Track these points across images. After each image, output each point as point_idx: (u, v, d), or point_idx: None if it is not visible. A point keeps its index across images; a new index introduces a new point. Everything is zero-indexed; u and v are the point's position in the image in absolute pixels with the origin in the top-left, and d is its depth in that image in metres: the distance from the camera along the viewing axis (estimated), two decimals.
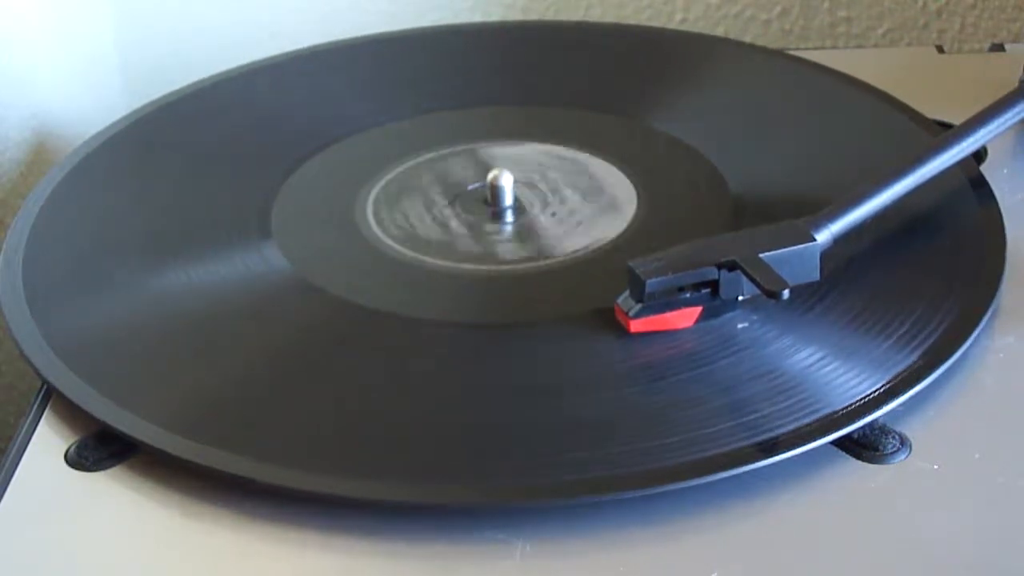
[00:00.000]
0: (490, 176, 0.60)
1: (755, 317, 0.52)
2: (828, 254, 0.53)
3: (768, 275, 0.50)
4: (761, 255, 0.51)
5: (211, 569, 0.44)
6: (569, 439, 0.47)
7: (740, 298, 0.52)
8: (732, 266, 0.51)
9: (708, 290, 0.51)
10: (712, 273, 0.51)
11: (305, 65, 0.71)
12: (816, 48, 0.83)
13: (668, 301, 0.51)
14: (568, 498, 0.45)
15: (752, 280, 0.50)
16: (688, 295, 0.51)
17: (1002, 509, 0.45)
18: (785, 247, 0.52)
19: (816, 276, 0.52)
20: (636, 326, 0.51)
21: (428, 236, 0.58)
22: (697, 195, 0.60)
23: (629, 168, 0.62)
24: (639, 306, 0.51)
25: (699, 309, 0.52)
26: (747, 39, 0.84)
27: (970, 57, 0.77)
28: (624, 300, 0.52)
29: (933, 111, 0.64)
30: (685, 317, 0.52)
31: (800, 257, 0.52)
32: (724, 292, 0.51)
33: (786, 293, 0.49)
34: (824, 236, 0.52)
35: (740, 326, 0.52)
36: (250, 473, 0.46)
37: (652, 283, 0.51)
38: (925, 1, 0.85)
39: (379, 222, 0.59)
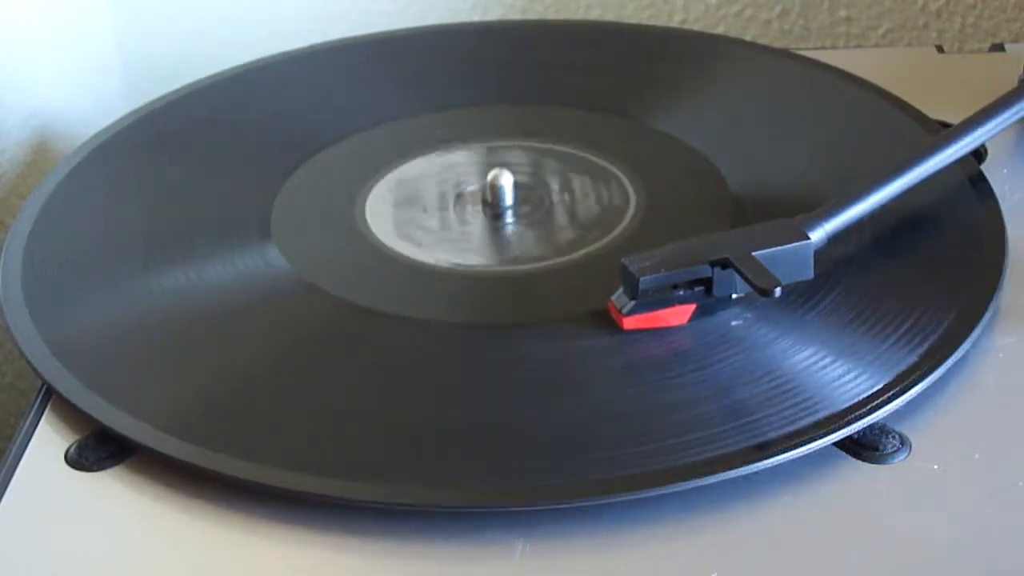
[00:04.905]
0: (490, 176, 0.60)
1: (748, 315, 0.52)
2: (828, 253, 0.53)
3: (760, 273, 0.50)
4: (755, 253, 0.51)
5: (211, 569, 0.44)
6: (569, 440, 0.47)
7: (734, 296, 0.52)
8: (725, 264, 0.51)
9: (702, 288, 0.51)
10: (705, 271, 0.51)
11: (305, 65, 0.71)
12: (816, 48, 0.83)
13: (662, 298, 0.51)
14: (568, 499, 0.45)
15: (744, 278, 0.50)
16: (682, 292, 0.51)
17: (1002, 509, 0.45)
18: (779, 245, 0.52)
19: (810, 274, 0.52)
20: (630, 323, 0.51)
21: (428, 236, 0.58)
22: (697, 195, 0.60)
23: (629, 168, 0.62)
24: (632, 303, 0.51)
25: (693, 306, 0.52)
26: (747, 39, 0.84)
27: (970, 57, 0.77)
28: (618, 297, 0.52)
29: (933, 111, 0.64)
30: (679, 314, 0.52)
31: (794, 255, 0.52)
32: (717, 290, 0.51)
33: (778, 291, 0.49)
34: (818, 235, 0.52)
35: (734, 323, 0.52)
36: (249, 474, 0.46)
37: (645, 280, 0.51)
38: (925, 1, 0.85)
39: (379, 222, 0.59)
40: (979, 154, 0.61)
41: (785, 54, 0.71)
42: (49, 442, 0.49)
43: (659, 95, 0.68)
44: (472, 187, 0.61)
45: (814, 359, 0.50)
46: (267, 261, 0.57)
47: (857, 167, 0.59)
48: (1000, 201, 0.58)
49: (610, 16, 0.85)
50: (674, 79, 0.69)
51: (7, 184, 0.72)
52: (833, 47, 0.85)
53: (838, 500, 0.45)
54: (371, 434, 0.48)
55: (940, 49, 0.73)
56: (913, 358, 0.50)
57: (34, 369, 0.51)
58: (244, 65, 0.71)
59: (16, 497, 0.47)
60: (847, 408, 0.47)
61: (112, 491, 0.47)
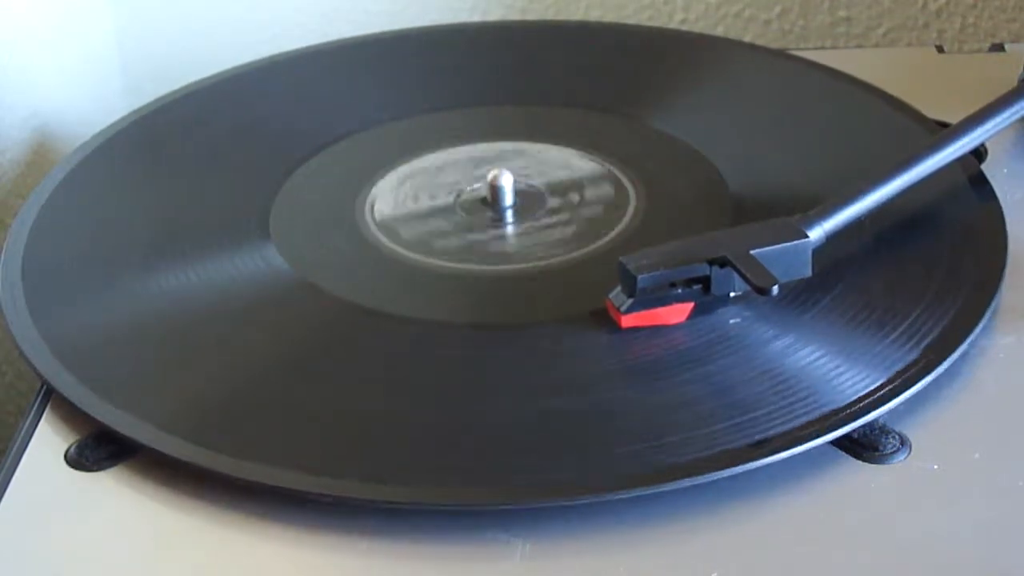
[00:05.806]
0: (490, 176, 0.60)
1: (747, 313, 0.52)
2: (828, 252, 0.53)
3: (758, 271, 0.50)
4: (753, 251, 0.51)
5: (211, 569, 0.44)
6: (568, 439, 0.47)
7: (732, 294, 0.52)
8: (723, 262, 0.51)
9: (700, 286, 0.51)
10: (703, 269, 0.51)
11: (305, 65, 0.71)
12: (816, 48, 0.83)
13: (660, 296, 0.51)
14: (568, 498, 0.45)
15: (742, 276, 0.50)
16: (680, 291, 0.51)
17: (1002, 509, 0.45)
18: (777, 244, 0.52)
19: (808, 273, 0.52)
20: (627, 321, 0.51)
21: (428, 236, 0.58)
22: (697, 195, 0.60)
23: (629, 168, 0.62)
24: (630, 301, 0.51)
25: (691, 305, 0.52)
26: (747, 39, 0.84)
27: (970, 57, 0.77)
28: (616, 295, 0.52)
29: (933, 111, 0.64)
30: (677, 313, 0.52)
31: (792, 254, 0.52)
32: (715, 288, 0.51)
33: (775, 289, 0.49)
34: (817, 233, 0.52)
35: (732, 322, 0.52)
36: (249, 474, 0.46)
37: (643, 278, 0.51)
38: (925, 1, 0.85)
39: (379, 222, 0.59)
40: (979, 154, 0.61)
41: (784, 55, 0.71)
42: (49, 442, 0.49)
43: (659, 95, 0.68)
44: (472, 187, 0.61)
45: (813, 358, 0.50)
46: (267, 261, 0.57)
47: (856, 167, 0.59)
48: (1001, 200, 0.58)
49: (610, 16, 0.85)
50: (674, 79, 0.69)
51: (7, 184, 0.72)
52: (833, 47, 0.85)
53: (838, 500, 0.45)
54: (371, 434, 0.48)
55: (940, 49, 0.73)
56: (913, 357, 0.50)
57: (34, 369, 0.51)
58: (244, 65, 0.71)
59: (16, 497, 0.47)
60: (846, 407, 0.47)
61: (112, 491, 0.47)
